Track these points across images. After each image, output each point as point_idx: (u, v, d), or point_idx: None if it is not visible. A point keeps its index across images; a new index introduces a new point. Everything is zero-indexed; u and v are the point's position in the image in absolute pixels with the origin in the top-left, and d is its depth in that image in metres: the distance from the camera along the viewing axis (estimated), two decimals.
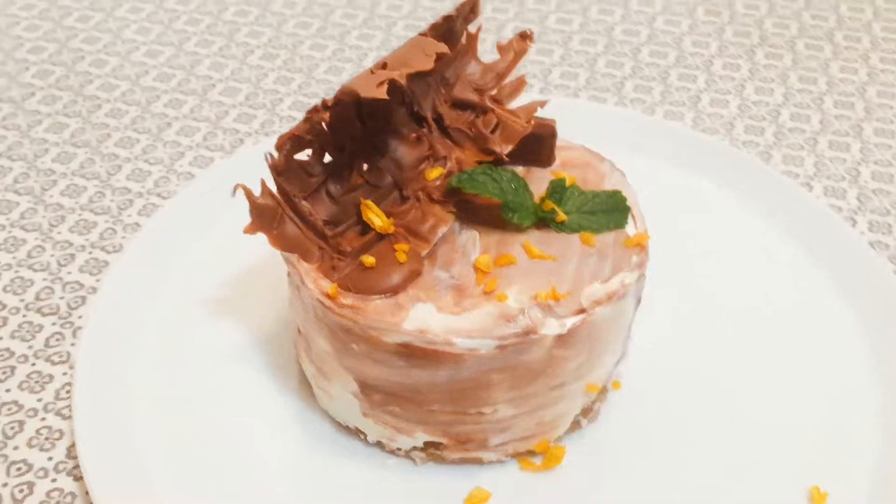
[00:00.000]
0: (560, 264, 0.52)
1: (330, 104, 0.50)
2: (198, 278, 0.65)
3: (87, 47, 0.91)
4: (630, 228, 0.55)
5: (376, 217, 0.53)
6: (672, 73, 0.89)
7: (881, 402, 0.58)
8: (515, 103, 0.58)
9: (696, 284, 0.66)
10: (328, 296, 0.50)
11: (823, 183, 0.77)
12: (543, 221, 0.54)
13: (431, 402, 0.51)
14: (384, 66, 0.50)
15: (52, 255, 0.68)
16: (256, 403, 0.58)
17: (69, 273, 0.67)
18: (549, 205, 0.54)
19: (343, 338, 0.51)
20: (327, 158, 0.54)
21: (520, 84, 0.58)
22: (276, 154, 0.51)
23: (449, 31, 0.56)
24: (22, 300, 0.65)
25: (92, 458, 0.52)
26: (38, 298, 0.65)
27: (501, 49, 0.59)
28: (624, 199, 0.55)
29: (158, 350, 0.60)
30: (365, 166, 0.55)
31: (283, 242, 0.52)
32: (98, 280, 0.66)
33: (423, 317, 0.49)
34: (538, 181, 0.57)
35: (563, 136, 0.59)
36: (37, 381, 0.59)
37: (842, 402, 0.59)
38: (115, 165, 0.77)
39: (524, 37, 0.59)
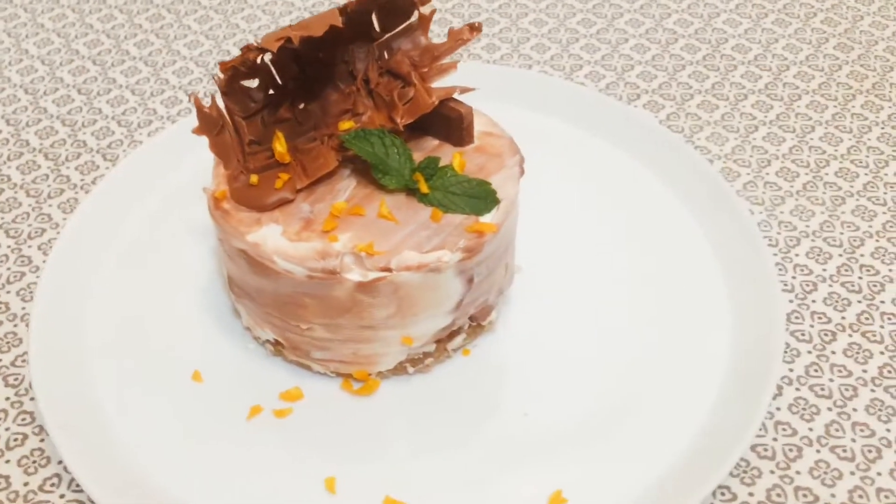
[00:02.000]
0: (397, 227, 0.60)
1: (257, 47, 0.61)
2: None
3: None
4: (487, 217, 0.61)
5: (280, 146, 0.63)
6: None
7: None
8: (442, 83, 0.65)
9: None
10: (214, 197, 0.62)
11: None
12: (412, 190, 0.62)
13: (266, 306, 0.62)
14: (293, 27, 0.60)
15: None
16: (190, 277, 0.72)
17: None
18: (418, 176, 0.61)
19: (219, 235, 0.63)
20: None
21: (448, 67, 0.65)
22: (220, 75, 0.63)
23: (392, 6, 0.64)
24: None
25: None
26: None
27: (451, 34, 0.66)
28: (492, 192, 0.61)
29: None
30: (301, 105, 0.66)
31: (216, 148, 0.64)
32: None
33: (266, 235, 0.60)
34: (445, 157, 0.64)
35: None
36: None
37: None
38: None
39: (472, 28, 0.65)
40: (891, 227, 0.76)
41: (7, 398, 0.65)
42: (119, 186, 0.76)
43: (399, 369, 0.64)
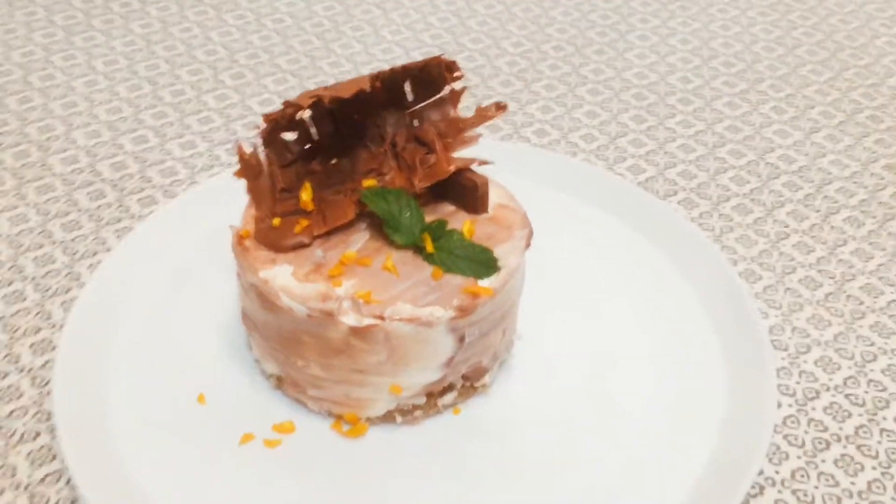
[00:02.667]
0: (398, 281, 0.63)
1: (293, 103, 0.67)
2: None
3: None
4: (485, 282, 0.64)
5: (305, 195, 0.68)
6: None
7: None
8: (464, 153, 0.69)
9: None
10: (238, 234, 0.67)
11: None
12: (418, 248, 0.66)
13: (271, 339, 0.66)
14: (327, 88, 0.66)
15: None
16: (214, 307, 0.77)
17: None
18: (425, 236, 0.65)
19: (237, 270, 0.68)
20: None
21: (470, 140, 0.69)
22: (263, 126, 0.69)
23: (425, 79, 0.69)
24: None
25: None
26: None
27: (478, 111, 0.70)
28: (493, 259, 0.64)
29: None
30: (334, 161, 0.71)
31: (253, 191, 0.70)
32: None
33: (277, 273, 0.64)
34: (457, 222, 0.68)
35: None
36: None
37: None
38: None
39: (498, 107, 0.69)
40: None
41: (31, 397, 0.70)
42: (168, 220, 0.83)
43: (388, 417, 0.67)
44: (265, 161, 0.70)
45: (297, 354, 0.65)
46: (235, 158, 0.93)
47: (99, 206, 0.89)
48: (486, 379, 0.69)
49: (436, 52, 1.10)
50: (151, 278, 0.78)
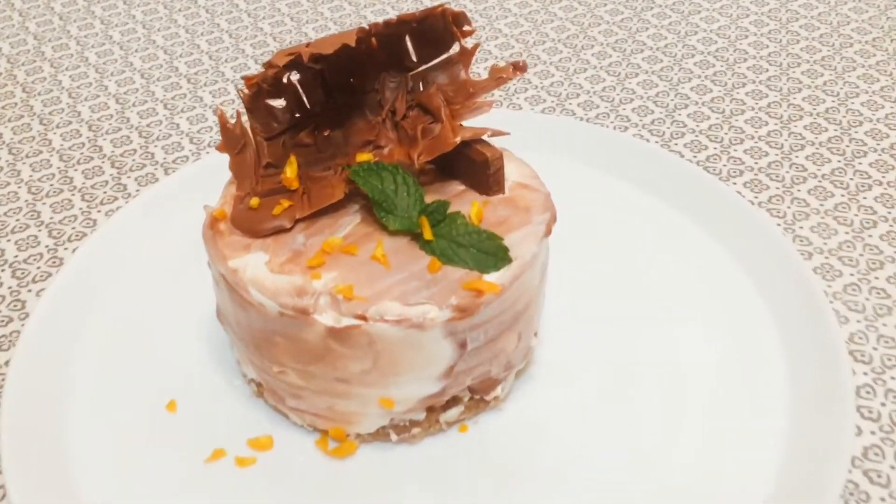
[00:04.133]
0: (387, 273, 0.53)
1: (272, 63, 0.57)
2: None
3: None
4: (492, 276, 0.53)
5: (290, 171, 0.58)
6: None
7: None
8: (475, 122, 0.58)
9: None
10: (212, 216, 0.58)
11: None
12: (415, 235, 0.55)
13: (244, 340, 0.57)
14: (308, 44, 0.55)
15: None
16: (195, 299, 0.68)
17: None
18: (423, 220, 0.54)
19: (207, 258, 0.59)
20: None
21: (482, 105, 0.58)
22: (246, 91, 0.60)
23: (428, 35, 0.58)
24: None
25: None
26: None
27: (493, 70, 0.59)
28: (503, 249, 0.53)
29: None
30: (327, 133, 0.61)
31: (236, 167, 0.60)
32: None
33: (248, 262, 0.55)
34: (465, 204, 0.57)
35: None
36: None
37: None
38: None
39: (516, 67, 0.58)
40: None
41: None
42: (161, 199, 0.74)
43: (381, 434, 0.57)
44: (250, 132, 0.60)
45: (272, 359, 0.55)
46: None
47: (94, 185, 0.81)
48: (498, 391, 0.58)
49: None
50: (134, 264, 0.70)
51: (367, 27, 0.56)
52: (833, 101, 0.86)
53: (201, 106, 0.90)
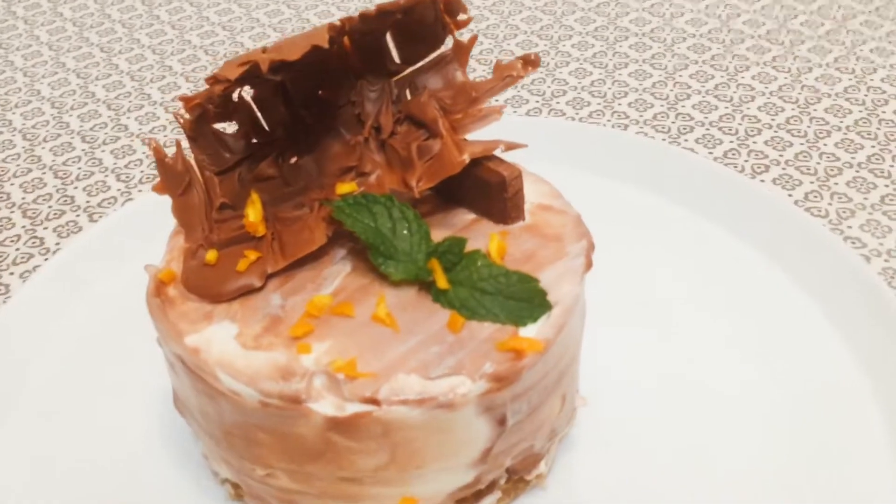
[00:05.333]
0: (397, 338, 0.41)
1: (219, 77, 0.44)
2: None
3: None
4: (530, 330, 0.41)
5: (253, 213, 0.46)
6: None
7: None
8: (480, 135, 0.47)
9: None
10: (158, 279, 0.45)
11: None
12: (425, 284, 0.43)
13: (214, 436, 0.44)
14: (265, 49, 0.43)
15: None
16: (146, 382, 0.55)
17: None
18: (434, 265, 0.43)
19: (156, 333, 0.46)
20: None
21: (490, 113, 0.46)
22: (186, 116, 0.47)
23: (413, 30, 0.46)
24: None
25: None
26: None
27: (497, 69, 0.47)
28: (541, 293, 0.42)
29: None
30: (294, 159, 0.49)
31: (180, 212, 0.48)
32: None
33: (213, 337, 0.42)
34: (480, 238, 0.46)
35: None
36: None
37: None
38: None
39: (527, 62, 0.47)
40: None
41: None
42: (68, 266, 0.61)
43: None
44: (195, 166, 0.48)
45: (255, 459, 0.43)
46: None
47: (4, 240, 0.67)
48: (542, 467, 0.46)
49: None
50: (58, 337, 0.57)
51: (338, 23, 0.44)
52: (851, 80, 0.77)
53: (126, 135, 0.77)
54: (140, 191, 0.70)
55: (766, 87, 0.77)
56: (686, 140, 0.71)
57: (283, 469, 0.42)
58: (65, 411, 0.53)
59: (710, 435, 0.49)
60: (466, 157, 0.44)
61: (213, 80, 0.44)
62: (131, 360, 0.54)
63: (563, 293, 0.43)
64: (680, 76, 0.79)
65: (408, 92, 0.48)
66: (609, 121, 0.74)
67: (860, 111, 0.73)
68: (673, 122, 0.73)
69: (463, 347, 0.40)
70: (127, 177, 0.72)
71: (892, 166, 0.67)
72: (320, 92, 0.48)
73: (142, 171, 0.73)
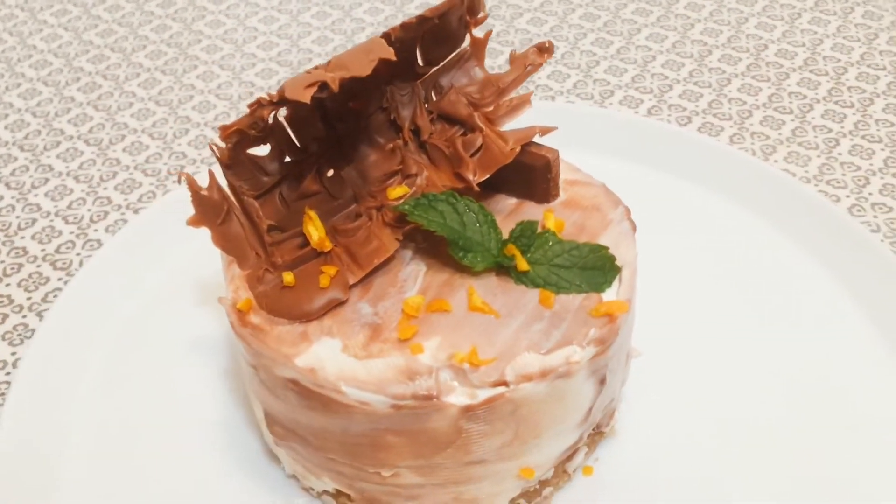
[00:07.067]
0: (500, 322, 0.44)
1: (274, 100, 0.45)
2: (179, 275, 0.62)
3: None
4: (610, 293, 0.45)
5: (315, 231, 0.47)
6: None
7: None
8: (515, 125, 0.50)
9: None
10: (237, 310, 0.45)
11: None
12: (504, 268, 0.46)
13: (328, 450, 0.45)
14: (327, 66, 0.44)
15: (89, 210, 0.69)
16: (200, 408, 0.54)
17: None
18: (511, 250, 0.45)
19: (249, 360, 0.46)
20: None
21: (521, 102, 0.50)
22: (221, 144, 0.47)
23: (440, 32, 0.48)
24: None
25: None
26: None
27: (514, 60, 0.51)
28: (611, 259, 0.46)
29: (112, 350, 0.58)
30: (331, 172, 0.50)
31: (224, 241, 0.47)
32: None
33: (322, 354, 0.43)
34: (531, 218, 0.49)
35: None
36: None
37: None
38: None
39: (542, 50, 0.50)
40: None
41: None
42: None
43: None
44: (230, 193, 0.48)
45: (380, 463, 0.44)
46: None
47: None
48: (615, 418, 0.51)
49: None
50: (91, 377, 0.55)
51: (388, 33, 0.45)
52: (731, 31, 0.85)
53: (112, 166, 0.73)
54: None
55: (660, 46, 0.84)
56: (611, 104, 0.77)
57: (410, 466, 0.44)
58: (125, 433, 0.52)
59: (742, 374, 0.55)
60: (516, 146, 0.48)
61: (262, 103, 0.45)
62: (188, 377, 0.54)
63: (625, 255, 0.47)
64: (582, 44, 0.84)
65: (433, 92, 0.50)
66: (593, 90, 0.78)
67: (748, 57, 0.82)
68: (594, 88, 0.79)
69: (563, 320, 0.44)
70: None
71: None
72: (350, 103, 0.49)
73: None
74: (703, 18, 0.87)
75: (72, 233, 0.67)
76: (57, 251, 0.66)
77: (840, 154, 0.71)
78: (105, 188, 0.71)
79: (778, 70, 0.80)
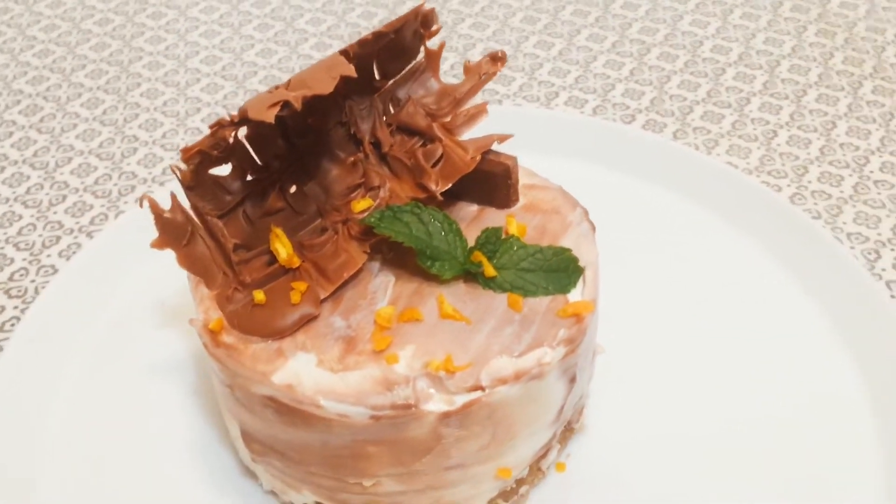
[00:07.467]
0: (471, 328, 0.45)
1: (236, 121, 0.45)
2: (139, 296, 0.62)
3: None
4: (575, 293, 0.47)
5: (282, 247, 0.47)
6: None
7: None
8: (472, 133, 0.51)
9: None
10: (209, 330, 0.45)
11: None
12: (471, 275, 0.47)
13: (308, 464, 0.46)
14: (288, 85, 0.44)
15: (40, 235, 0.68)
16: (172, 428, 0.54)
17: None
18: (478, 256, 0.47)
19: (224, 379, 0.46)
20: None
21: (478, 112, 0.51)
22: (182, 167, 0.47)
23: (396, 46, 0.49)
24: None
25: None
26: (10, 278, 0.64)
27: (468, 70, 0.52)
28: (574, 260, 0.47)
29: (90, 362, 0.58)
30: (294, 188, 0.50)
31: (189, 262, 0.48)
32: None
33: (298, 370, 0.43)
34: (493, 224, 0.50)
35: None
36: None
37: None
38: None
39: (495, 59, 0.51)
40: None
41: None
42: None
43: None
44: (193, 214, 0.48)
45: (360, 473, 0.45)
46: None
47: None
48: (584, 414, 0.52)
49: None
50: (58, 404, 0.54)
51: (346, 50, 0.46)
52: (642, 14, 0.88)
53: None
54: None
55: (601, 46, 0.86)
56: (556, 105, 0.79)
57: (390, 475, 0.45)
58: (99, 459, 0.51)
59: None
60: (476, 155, 0.49)
61: (222, 124, 0.45)
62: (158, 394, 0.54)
63: (587, 255, 0.48)
64: (524, 47, 0.86)
65: (391, 105, 0.51)
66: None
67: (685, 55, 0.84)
68: (539, 91, 0.80)
69: (532, 322, 0.45)
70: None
71: (846, 153, 0.79)
72: (309, 119, 0.49)
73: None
74: (639, 17, 0.89)
75: (24, 259, 0.66)
76: (10, 279, 0.65)
77: (779, 145, 0.74)
78: (55, 212, 0.70)
79: (714, 66, 0.83)
